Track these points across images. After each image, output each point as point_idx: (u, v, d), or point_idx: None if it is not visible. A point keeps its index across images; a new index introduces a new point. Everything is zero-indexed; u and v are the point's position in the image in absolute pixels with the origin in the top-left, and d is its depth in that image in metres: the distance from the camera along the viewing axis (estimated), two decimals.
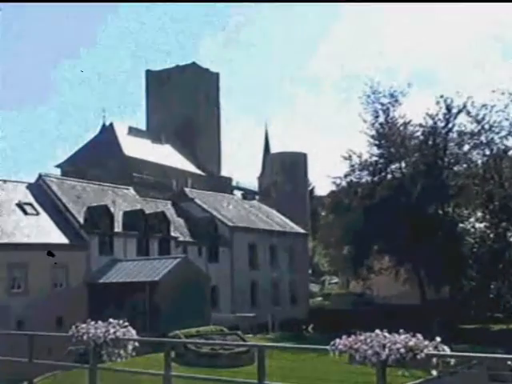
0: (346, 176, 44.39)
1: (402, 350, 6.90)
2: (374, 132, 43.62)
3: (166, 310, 33.71)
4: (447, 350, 6.98)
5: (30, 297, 33.43)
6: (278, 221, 57.16)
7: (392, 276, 43.92)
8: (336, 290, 62.44)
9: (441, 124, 42.39)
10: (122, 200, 43.92)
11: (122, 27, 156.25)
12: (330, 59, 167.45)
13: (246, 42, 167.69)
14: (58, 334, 15.39)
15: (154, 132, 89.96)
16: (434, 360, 6.94)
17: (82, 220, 38.78)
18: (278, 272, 51.41)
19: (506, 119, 41.26)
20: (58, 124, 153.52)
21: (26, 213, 37.53)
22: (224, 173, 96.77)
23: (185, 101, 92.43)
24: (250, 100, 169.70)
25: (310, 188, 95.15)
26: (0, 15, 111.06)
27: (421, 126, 42.88)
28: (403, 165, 44.15)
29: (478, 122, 41.62)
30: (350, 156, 43.85)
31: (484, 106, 41.05)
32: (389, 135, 42.98)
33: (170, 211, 47.81)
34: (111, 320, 10.01)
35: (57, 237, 36.90)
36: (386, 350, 6.98)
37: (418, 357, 6.87)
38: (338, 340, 7.48)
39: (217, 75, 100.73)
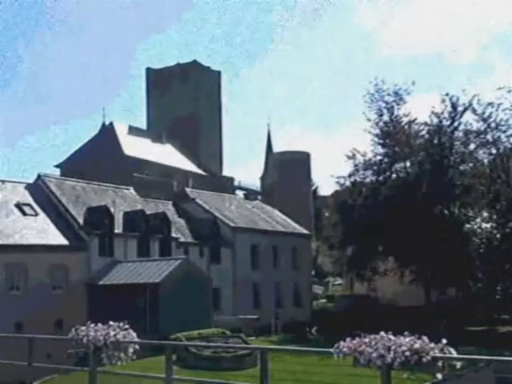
0: (349, 176, 44.28)
1: (408, 353, 6.78)
2: (378, 131, 43.40)
3: (167, 313, 33.51)
4: (453, 353, 6.83)
5: (29, 299, 33.04)
6: (280, 221, 56.75)
7: (396, 277, 43.48)
8: (340, 292, 61.94)
9: (446, 122, 42.01)
10: (123, 200, 43.65)
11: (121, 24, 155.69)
12: (332, 58, 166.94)
13: (246, 42, 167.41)
14: (58, 337, 15.37)
15: (154, 131, 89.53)
16: (440, 363, 6.81)
17: (81, 221, 38.52)
18: (281, 273, 50.91)
19: None
20: (57, 123, 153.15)
21: (24, 213, 37.33)
22: (226, 172, 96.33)
23: (186, 99, 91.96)
24: (252, 99, 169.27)
25: (313, 188, 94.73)
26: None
27: (426, 124, 42.57)
28: (408, 164, 43.80)
29: (485, 121, 41.22)
30: (353, 155, 43.60)
31: (490, 104, 40.68)
32: (393, 134, 42.66)
33: (171, 212, 47.49)
34: (111, 322, 9.85)
35: (56, 238, 36.66)
36: (391, 352, 6.85)
37: (424, 359, 6.74)
38: (342, 343, 7.35)
39: (218, 73, 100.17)
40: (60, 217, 38.53)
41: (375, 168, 43.70)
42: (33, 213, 37.66)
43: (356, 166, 43.70)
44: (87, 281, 36.69)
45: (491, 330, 40.11)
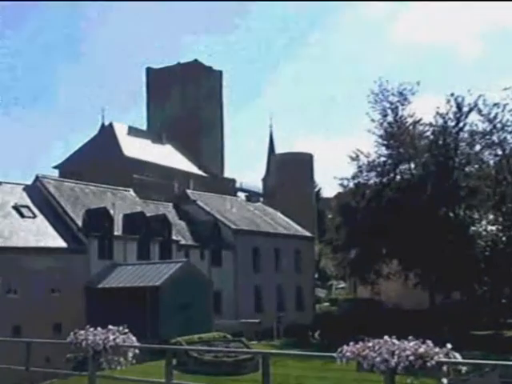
0: (353, 177, 44.04)
1: (412, 358, 6.68)
2: (382, 131, 43.18)
3: (168, 316, 33.43)
4: (458, 358, 6.72)
5: (27, 302, 32.73)
6: (283, 223, 56.41)
7: (400, 281, 43.16)
8: (343, 295, 61.66)
9: (451, 123, 41.85)
10: (122, 202, 43.40)
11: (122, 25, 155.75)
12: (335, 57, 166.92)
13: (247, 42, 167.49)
14: (56, 341, 15.45)
15: (154, 132, 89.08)
16: (445, 368, 6.69)
17: (80, 223, 38.29)
18: (283, 276, 50.50)
19: None
20: (56, 124, 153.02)
21: (22, 215, 37.21)
22: (227, 174, 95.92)
23: (186, 100, 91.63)
24: (255, 99, 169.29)
25: (316, 189, 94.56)
26: None
27: (431, 125, 42.44)
28: (412, 165, 43.56)
29: (490, 121, 41.08)
30: (357, 156, 43.35)
31: (496, 104, 40.56)
32: (397, 135, 42.44)
33: (172, 214, 47.21)
34: (110, 326, 9.74)
35: (54, 240, 36.51)
36: (395, 357, 6.77)
37: (429, 364, 6.62)
38: (345, 347, 7.26)
39: (220, 73, 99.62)
40: (58, 219, 38.31)
41: (379, 169, 43.40)
42: (31, 215, 37.45)
43: (360, 167, 43.47)
44: (86, 284, 36.42)
45: (497, 334, 39.87)
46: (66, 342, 10.11)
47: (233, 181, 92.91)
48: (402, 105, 42.29)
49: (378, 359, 6.84)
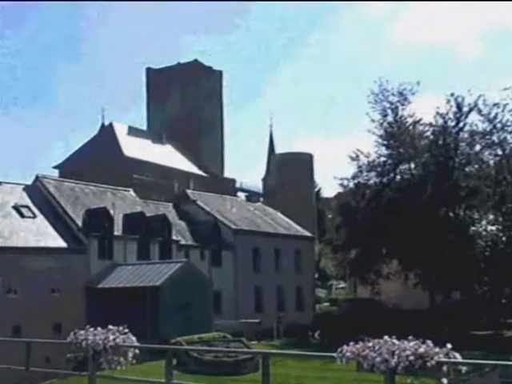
0: (353, 177, 43.95)
1: (412, 358, 6.67)
2: (382, 131, 43.09)
3: (168, 316, 33.38)
4: (458, 358, 6.71)
5: (27, 302, 32.70)
6: (283, 223, 56.37)
7: (400, 281, 43.07)
8: (343, 295, 61.62)
9: (451, 123, 41.72)
10: (122, 202, 43.37)
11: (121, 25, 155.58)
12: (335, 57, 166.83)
13: (248, 42, 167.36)
14: (56, 341, 15.34)
15: (154, 132, 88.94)
16: (445, 368, 6.68)
17: (80, 223, 38.27)
18: (284, 276, 50.46)
19: None
20: (56, 124, 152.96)
21: (22, 215, 37.19)
22: (227, 174, 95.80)
23: (186, 100, 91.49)
24: (255, 99, 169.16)
25: (316, 189, 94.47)
26: None
27: (431, 125, 42.34)
28: (412, 165, 43.49)
29: (490, 121, 40.98)
30: (357, 156, 43.28)
31: (496, 104, 40.46)
32: (397, 135, 42.37)
33: (172, 214, 47.17)
34: (110, 326, 9.70)
35: (54, 240, 36.49)
36: (395, 357, 6.75)
37: (429, 364, 6.61)
38: (345, 347, 7.24)
39: (220, 73, 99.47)
40: (58, 219, 38.29)
41: (379, 169, 43.34)
42: (31, 215, 37.43)
43: (360, 167, 43.41)
44: (86, 284, 36.39)
45: (497, 334, 39.83)
46: (65, 342, 10.09)
47: (233, 181, 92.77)
48: (402, 105, 42.29)
49: (378, 359, 6.84)
